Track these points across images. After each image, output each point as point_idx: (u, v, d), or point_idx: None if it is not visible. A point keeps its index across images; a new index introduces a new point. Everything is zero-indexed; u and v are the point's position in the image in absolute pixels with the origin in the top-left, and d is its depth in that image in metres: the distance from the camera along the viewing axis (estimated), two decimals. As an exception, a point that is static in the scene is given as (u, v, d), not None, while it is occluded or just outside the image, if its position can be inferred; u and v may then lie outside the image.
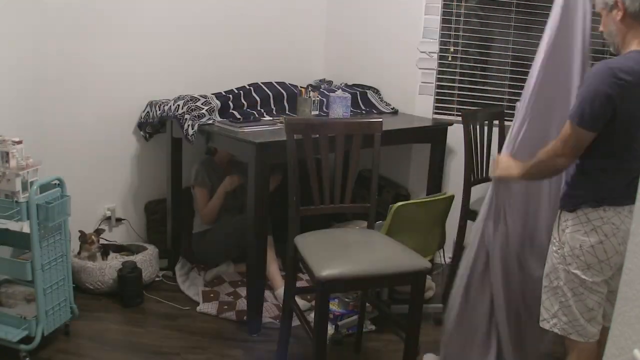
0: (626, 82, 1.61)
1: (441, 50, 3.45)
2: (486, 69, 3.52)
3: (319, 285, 1.94)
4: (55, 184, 2.41)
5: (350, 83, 3.67)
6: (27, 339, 2.29)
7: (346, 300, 2.79)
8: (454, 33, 3.44)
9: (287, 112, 3.18)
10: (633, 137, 1.72)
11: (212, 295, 2.99)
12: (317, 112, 3.20)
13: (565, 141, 1.74)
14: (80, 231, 2.94)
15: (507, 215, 2.13)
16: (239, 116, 2.97)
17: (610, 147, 1.74)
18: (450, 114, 3.47)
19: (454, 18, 3.42)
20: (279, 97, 3.19)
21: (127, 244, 3.24)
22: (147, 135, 3.26)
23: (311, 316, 2.60)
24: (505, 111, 3.24)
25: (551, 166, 1.82)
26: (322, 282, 1.93)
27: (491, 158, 2.21)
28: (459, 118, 2.99)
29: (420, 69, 3.45)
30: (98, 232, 3.05)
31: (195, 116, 2.83)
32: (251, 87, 3.17)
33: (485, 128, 3.01)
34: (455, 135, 3.13)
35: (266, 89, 3.18)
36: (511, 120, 3.31)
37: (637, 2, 1.65)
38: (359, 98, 3.45)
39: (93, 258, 2.96)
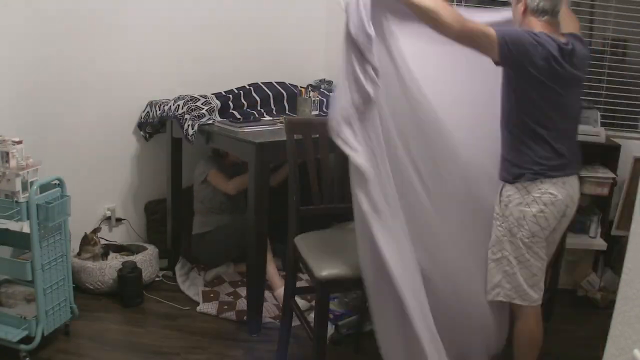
0: (541, 38, 1.84)
1: (441, 50, 3.44)
2: (486, 69, 3.52)
3: (318, 285, 1.94)
4: (55, 184, 2.41)
5: (350, 83, 3.66)
6: (27, 339, 2.29)
7: (346, 300, 2.79)
8: (454, 33, 3.44)
9: (287, 112, 3.18)
10: (554, 104, 1.90)
11: (212, 295, 2.99)
12: (317, 112, 3.20)
13: (473, 30, 1.81)
14: (85, 233, 2.95)
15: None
16: (239, 116, 2.97)
17: (536, 115, 1.90)
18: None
19: (454, 18, 3.41)
20: (279, 97, 3.19)
21: (127, 244, 3.24)
22: (147, 135, 3.26)
23: (311, 316, 2.60)
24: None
25: (439, 23, 1.80)
26: (322, 282, 1.93)
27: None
28: (459, 118, 2.99)
29: (420, 69, 3.44)
30: (95, 231, 3.05)
31: (195, 116, 2.83)
32: (251, 87, 3.17)
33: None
34: (455, 135, 3.13)
35: (266, 89, 3.18)
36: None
37: (536, 1, 1.91)
38: (359, 98, 3.45)
39: (96, 258, 2.97)
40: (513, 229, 1.97)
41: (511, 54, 1.83)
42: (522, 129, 1.93)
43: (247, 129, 2.75)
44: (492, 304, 2.08)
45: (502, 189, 2.00)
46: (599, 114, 3.16)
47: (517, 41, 1.82)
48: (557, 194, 1.93)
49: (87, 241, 2.97)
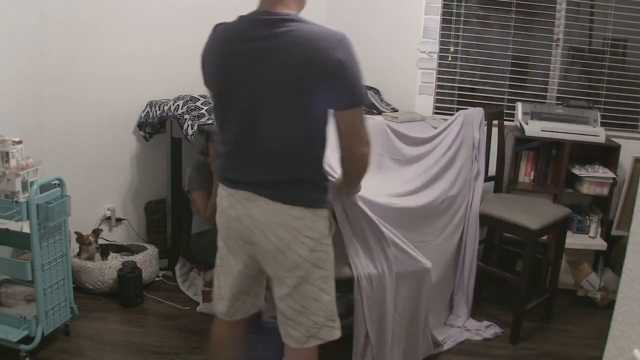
0: None
1: (441, 50, 3.44)
2: (486, 69, 3.52)
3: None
4: (55, 184, 2.41)
5: (350, 83, 3.66)
6: (27, 339, 2.28)
7: (346, 300, 2.78)
8: (454, 33, 3.44)
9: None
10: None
11: (212, 295, 2.98)
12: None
13: (364, 127, 1.61)
14: (76, 232, 2.93)
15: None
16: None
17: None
18: (450, 114, 3.47)
19: (454, 18, 3.42)
20: (279, 97, 3.19)
21: (127, 244, 3.24)
22: (147, 136, 3.26)
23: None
24: (505, 111, 3.25)
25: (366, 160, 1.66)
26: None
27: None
28: (459, 118, 2.99)
29: (420, 69, 3.45)
30: (96, 232, 3.05)
31: (194, 116, 2.83)
32: (251, 87, 3.17)
33: (485, 128, 3.00)
34: (455, 135, 3.13)
35: (266, 89, 3.18)
36: (511, 120, 3.33)
37: None
38: (359, 98, 3.45)
39: (92, 258, 2.96)
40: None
41: None
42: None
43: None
44: None
45: None
46: (599, 114, 3.16)
47: None
48: (227, 208, 1.68)
49: (81, 240, 2.96)
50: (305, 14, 1.64)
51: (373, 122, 2.45)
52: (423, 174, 2.63)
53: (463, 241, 2.76)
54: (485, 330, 2.74)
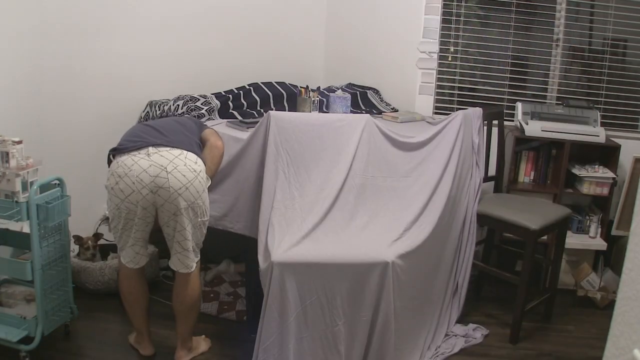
0: None
1: (441, 50, 3.44)
2: (486, 69, 3.52)
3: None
4: (55, 184, 2.41)
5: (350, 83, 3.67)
6: (27, 339, 2.29)
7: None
8: (454, 33, 3.44)
9: (287, 112, 3.17)
10: None
11: (212, 295, 2.99)
12: (317, 112, 3.20)
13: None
14: (75, 236, 2.93)
15: None
16: (238, 116, 2.97)
17: None
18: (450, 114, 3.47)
19: (454, 18, 3.42)
20: (278, 97, 3.19)
21: (127, 244, 3.23)
22: (147, 135, 3.27)
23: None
24: (505, 111, 3.25)
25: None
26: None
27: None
28: (459, 118, 2.99)
29: (420, 69, 3.45)
30: (97, 236, 3.04)
31: (194, 116, 2.83)
32: (251, 87, 3.17)
33: (485, 128, 3.00)
34: (455, 135, 3.12)
35: (266, 89, 3.18)
36: (511, 120, 3.33)
37: None
38: (359, 98, 3.45)
39: (90, 260, 2.96)
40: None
41: None
42: None
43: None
44: None
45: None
46: (599, 114, 3.16)
47: None
48: (132, 165, 2.17)
49: (80, 242, 2.97)
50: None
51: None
52: (420, 193, 2.53)
53: (462, 243, 2.75)
54: (473, 332, 2.71)
